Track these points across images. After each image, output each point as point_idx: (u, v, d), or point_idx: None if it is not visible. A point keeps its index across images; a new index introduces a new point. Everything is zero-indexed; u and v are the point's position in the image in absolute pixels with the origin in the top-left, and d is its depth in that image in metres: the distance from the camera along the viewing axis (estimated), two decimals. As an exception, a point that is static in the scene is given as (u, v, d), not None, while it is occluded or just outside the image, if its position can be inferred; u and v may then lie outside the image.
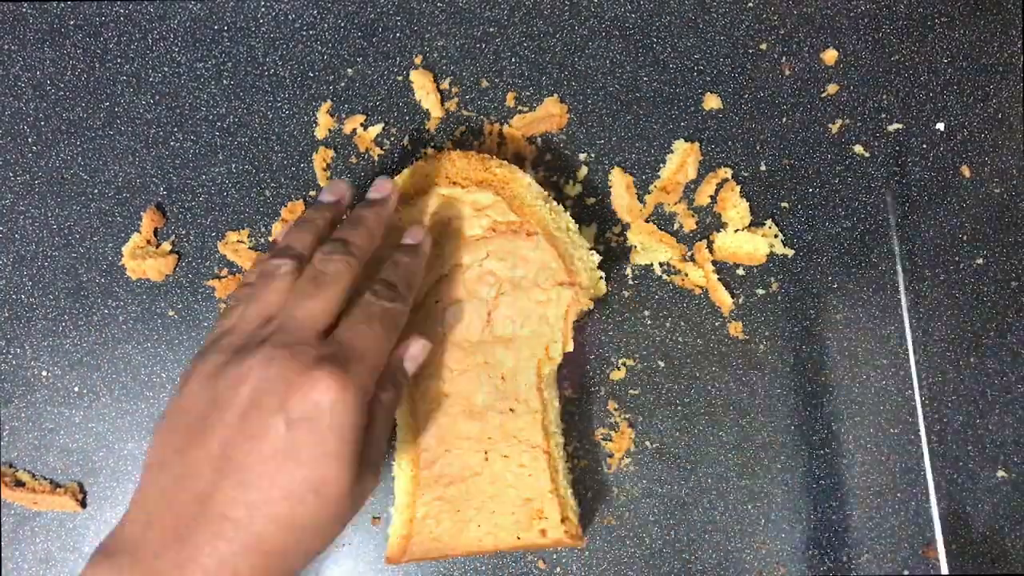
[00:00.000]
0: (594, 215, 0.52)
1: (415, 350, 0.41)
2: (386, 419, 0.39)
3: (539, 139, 0.52)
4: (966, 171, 0.52)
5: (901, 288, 0.50)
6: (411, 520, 0.46)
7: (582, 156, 0.52)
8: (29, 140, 0.52)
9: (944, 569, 0.48)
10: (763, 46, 0.53)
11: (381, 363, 0.38)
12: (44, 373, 0.51)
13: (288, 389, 0.34)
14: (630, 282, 0.52)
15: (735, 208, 0.51)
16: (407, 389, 0.42)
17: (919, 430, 0.50)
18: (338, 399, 0.34)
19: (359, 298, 0.39)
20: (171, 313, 0.51)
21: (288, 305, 0.38)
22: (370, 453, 0.37)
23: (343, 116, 0.52)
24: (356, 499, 0.36)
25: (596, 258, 0.47)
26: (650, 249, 0.51)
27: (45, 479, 0.50)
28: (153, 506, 0.34)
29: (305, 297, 0.38)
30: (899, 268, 0.49)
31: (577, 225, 0.48)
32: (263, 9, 0.52)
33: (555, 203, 0.47)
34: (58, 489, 0.50)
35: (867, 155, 0.52)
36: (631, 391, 0.51)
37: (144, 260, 0.50)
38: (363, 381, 0.36)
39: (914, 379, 0.50)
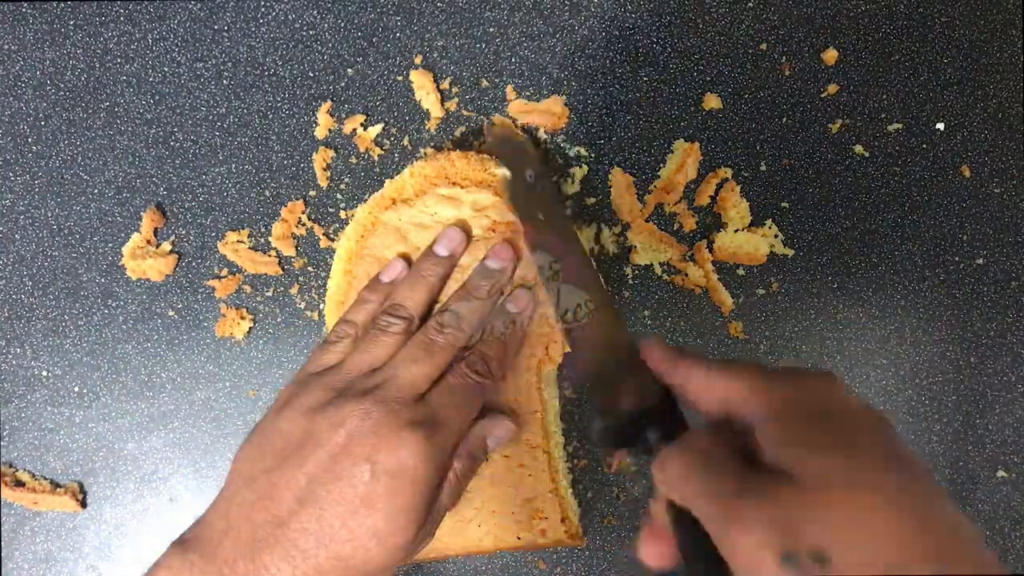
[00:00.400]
0: (594, 215, 0.52)
1: (501, 431, 0.44)
2: (456, 487, 0.41)
3: (536, 132, 0.52)
4: (966, 171, 0.52)
5: None
6: None
7: (582, 156, 0.52)
8: (29, 140, 0.52)
9: None
10: (763, 46, 0.53)
11: (463, 432, 0.41)
12: (44, 373, 0.51)
13: (379, 443, 0.37)
14: (630, 282, 0.52)
15: (735, 208, 0.51)
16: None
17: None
18: (421, 461, 0.37)
19: (456, 365, 0.42)
20: (171, 313, 0.51)
21: (395, 363, 0.41)
22: (432, 514, 0.39)
23: (343, 116, 0.52)
24: (408, 554, 0.38)
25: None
26: (650, 249, 0.51)
27: (45, 479, 0.50)
28: (234, 517, 0.37)
29: (412, 361, 0.41)
30: None
31: (577, 225, 0.48)
32: (263, 9, 0.52)
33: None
34: (58, 489, 0.50)
35: (867, 155, 0.52)
36: (631, 391, 0.51)
37: (144, 260, 0.50)
38: (445, 447, 0.39)
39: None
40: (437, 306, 0.45)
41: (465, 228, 0.46)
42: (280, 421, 0.39)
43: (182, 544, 0.37)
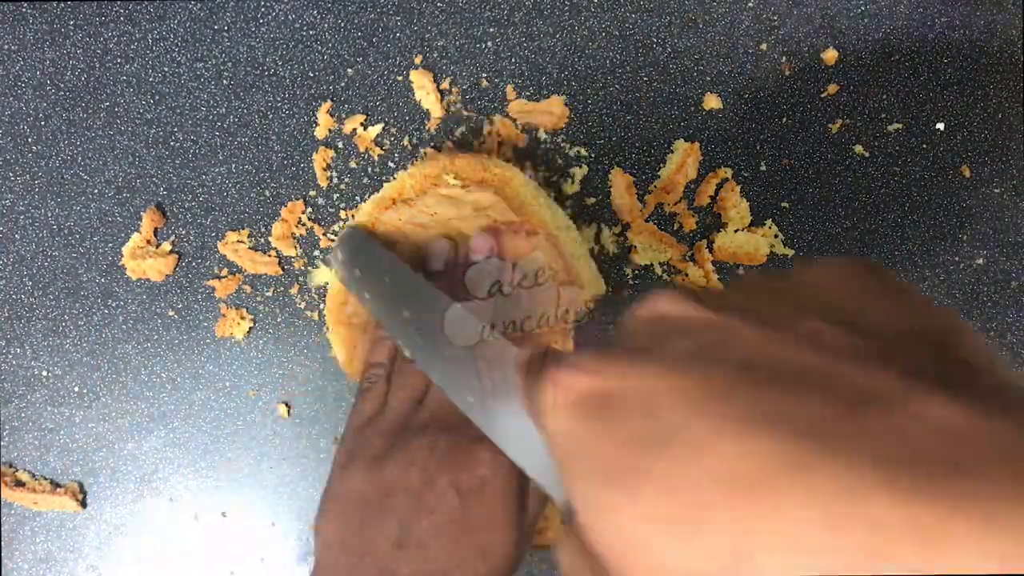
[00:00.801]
0: (594, 215, 0.52)
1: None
2: (536, 491, 0.40)
3: (536, 132, 0.52)
4: (966, 171, 0.52)
5: None
6: None
7: (582, 156, 0.52)
8: (29, 140, 0.52)
9: None
10: (763, 46, 0.53)
11: None
12: (44, 373, 0.51)
13: (456, 466, 0.37)
14: (630, 282, 0.52)
15: (735, 208, 0.51)
16: None
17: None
18: (498, 470, 0.37)
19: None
20: (171, 313, 0.51)
21: (437, 392, 0.41)
22: (525, 517, 0.39)
23: (343, 116, 0.52)
24: (516, 559, 0.38)
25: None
26: (650, 249, 0.51)
27: (45, 479, 0.50)
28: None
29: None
30: None
31: (576, 225, 0.48)
32: (263, 9, 0.52)
33: (554, 203, 0.47)
34: (58, 489, 0.50)
35: (867, 155, 0.52)
36: (631, 391, 0.51)
37: (144, 260, 0.50)
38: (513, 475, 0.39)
39: None
40: None
41: (451, 238, 0.46)
42: (350, 481, 0.39)
43: None
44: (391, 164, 0.52)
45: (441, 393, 0.39)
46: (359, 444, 0.40)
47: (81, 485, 0.50)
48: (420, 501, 0.37)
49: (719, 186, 0.52)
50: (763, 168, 0.52)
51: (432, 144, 0.52)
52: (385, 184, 0.48)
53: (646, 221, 0.52)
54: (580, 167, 0.52)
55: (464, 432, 0.38)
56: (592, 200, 0.52)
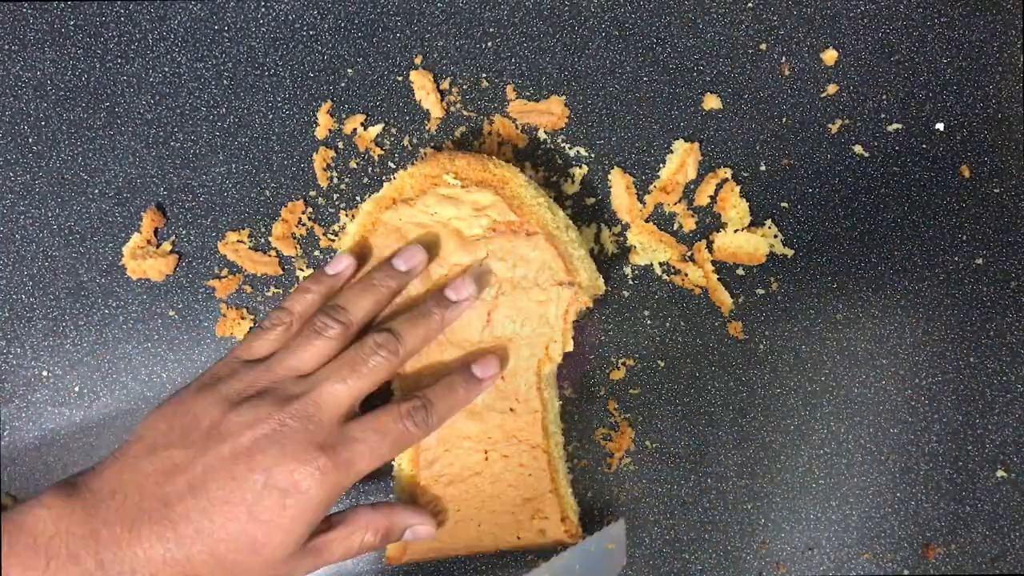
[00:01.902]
0: (594, 215, 0.52)
1: (422, 532, 0.43)
2: (352, 552, 0.41)
3: (536, 132, 0.52)
4: (966, 171, 0.52)
5: None
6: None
7: (582, 156, 0.52)
8: (29, 140, 0.52)
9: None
10: (763, 46, 0.53)
11: (369, 471, 0.40)
12: (44, 373, 0.51)
13: (281, 457, 0.37)
14: (630, 282, 0.52)
15: (735, 208, 0.51)
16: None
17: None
18: (313, 488, 0.37)
19: (396, 405, 0.41)
20: (171, 313, 0.51)
21: (321, 377, 0.40)
22: (314, 547, 0.39)
23: (343, 116, 0.52)
24: (284, 573, 0.39)
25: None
26: (650, 249, 0.51)
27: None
28: (127, 482, 0.37)
29: (338, 380, 0.40)
30: None
31: (576, 225, 0.48)
32: (263, 9, 0.52)
33: (554, 203, 0.47)
34: None
35: (867, 155, 0.52)
36: (631, 391, 0.51)
37: (144, 260, 0.50)
38: (344, 483, 0.38)
39: None
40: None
41: (430, 246, 0.45)
42: (197, 402, 0.39)
43: (69, 488, 0.37)
44: (391, 164, 0.52)
45: (325, 387, 0.39)
46: (227, 375, 0.40)
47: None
48: (232, 464, 0.37)
49: (719, 186, 0.52)
50: (763, 168, 0.52)
51: (432, 144, 0.52)
52: (385, 184, 0.48)
53: (646, 221, 0.52)
54: (580, 167, 0.52)
55: (316, 435, 0.38)
56: (592, 200, 0.52)
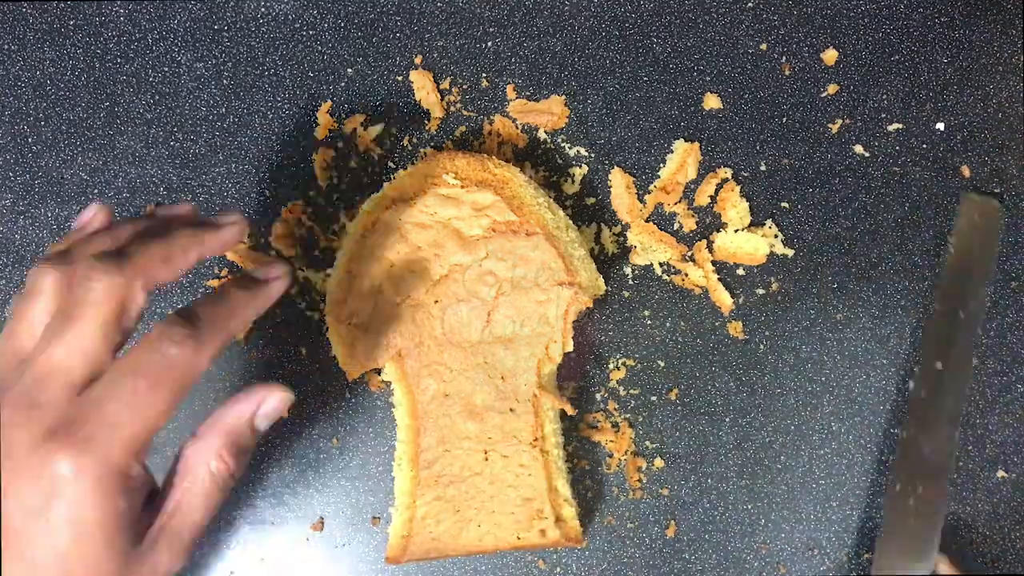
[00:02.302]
0: (594, 215, 0.52)
1: (274, 403, 0.33)
2: (212, 498, 0.31)
3: (536, 132, 0.52)
4: (966, 171, 0.52)
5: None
6: (411, 520, 0.46)
7: (582, 156, 0.52)
8: (29, 140, 0.52)
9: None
10: (763, 46, 0.53)
11: (145, 432, 0.29)
12: (44, 373, 0.51)
13: (15, 472, 0.27)
14: (630, 282, 0.52)
15: (735, 208, 0.51)
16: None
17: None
18: (72, 486, 0.26)
19: (142, 337, 0.30)
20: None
21: (36, 349, 0.29)
22: (156, 536, 0.29)
23: (343, 116, 0.52)
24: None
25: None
26: (650, 249, 0.51)
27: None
28: None
29: (52, 335, 0.28)
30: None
31: (576, 225, 0.48)
32: (263, 9, 0.52)
33: (554, 203, 0.47)
34: None
35: (867, 155, 0.52)
36: (631, 391, 0.51)
37: (144, 260, 0.50)
38: (112, 459, 0.27)
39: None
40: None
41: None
42: None
43: None
44: (391, 164, 0.52)
45: (38, 355, 0.29)
46: None
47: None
48: None
49: (719, 186, 0.52)
50: (763, 168, 0.52)
51: (432, 144, 0.52)
52: (385, 184, 0.48)
53: (646, 221, 0.52)
54: (580, 167, 0.52)
55: (41, 420, 0.27)
56: (592, 200, 0.52)
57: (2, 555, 0.26)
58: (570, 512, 0.46)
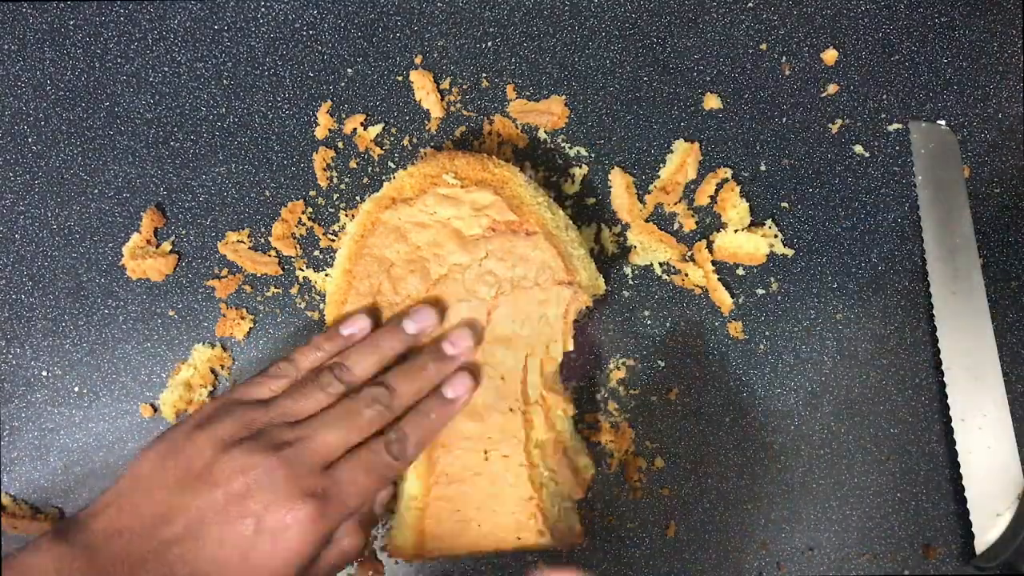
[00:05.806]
0: (594, 215, 0.52)
1: (384, 495, 0.45)
2: (342, 560, 0.42)
3: (536, 132, 0.52)
4: (966, 171, 0.52)
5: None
6: (414, 519, 0.46)
7: (582, 156, 0.52)
8: (29, 140, 0.52)
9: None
10: (763, 46, 0.53)
11: (359, 510, 0.41)
12: (44, 373, 0.51)
13: (273, 503, 0.38)
14: (630, 282, 0.52)
15: (735, 208, 0.51)
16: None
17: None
18: (304, 532, 0.38)
19: (374, 441, 0.42)
20: (171, 313, 0.51)
21: (315, 424, 0.41)
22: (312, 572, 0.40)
23: (343, 116, 0.52)
24: None
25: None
26: (650, 249, 0.51)
27: (26, 503, 0.49)
28: (125, 523, 0.37)
29: (331, 428, 0.41)
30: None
31: (576, 225, 0.48)
32: (263, 9, 0.52)
33: (554, 202, 0.47)
34: (38, 515, 0.49)
35: (867, 155, 0.52)
36: (631, 391, 0.51)
37: (144, 260, 0.50)
38: (333, 524, 0.40)
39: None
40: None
41: (441, 309, 0.45)
42: (191, 442, 0.39)
43: (68, 531, 0.37)
44: (391, 164, 0.52)
45: (317, 434, 0.40)
46: (222, 415, 0.40)
47: (62, 512, 0.50)
48: (225, 507, 0.38)
49: (719, 186, 0.52)
50: (763, 168, 0.52)
51: (432, 144, 0.52)
52: (385, 184, 0.48)
53: (646, 221, 0.52)
54: (580, 167, 0.52)
55: (305, 480, 0.39)
56: (592, 200, 0.52)
57: (232, 548, 0.37)
58: (567, 516, 0.46)
